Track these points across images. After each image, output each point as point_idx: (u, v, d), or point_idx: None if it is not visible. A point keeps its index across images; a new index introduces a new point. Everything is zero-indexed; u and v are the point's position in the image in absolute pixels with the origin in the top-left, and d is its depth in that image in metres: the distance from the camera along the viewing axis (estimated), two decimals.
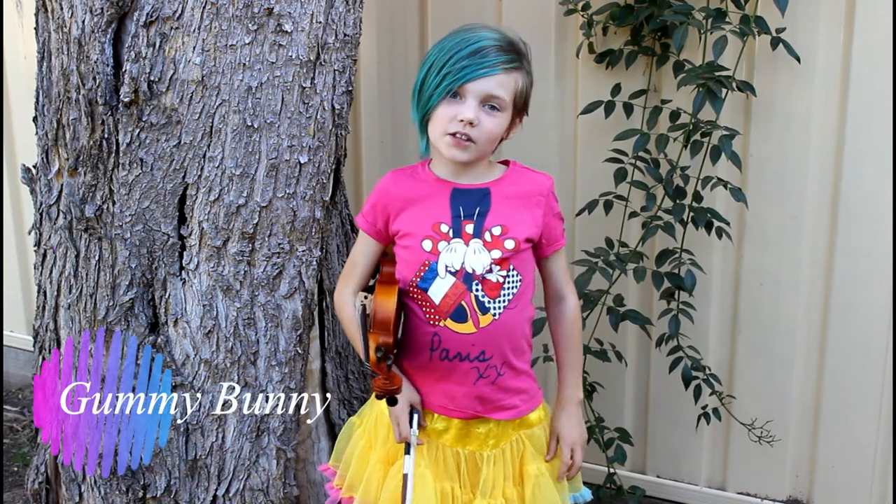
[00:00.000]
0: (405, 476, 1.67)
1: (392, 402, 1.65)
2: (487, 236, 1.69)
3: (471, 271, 1.68)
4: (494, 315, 1.69)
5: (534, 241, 1.73)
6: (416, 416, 1.72)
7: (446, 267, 1.68)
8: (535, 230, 1.72)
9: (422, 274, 1.69)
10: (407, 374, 1.76)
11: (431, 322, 1.70)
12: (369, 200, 1.77)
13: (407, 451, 1.71)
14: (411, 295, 1.71)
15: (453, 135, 1.62)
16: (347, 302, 1.79)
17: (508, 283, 1.70)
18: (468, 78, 1.59)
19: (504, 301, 1.69)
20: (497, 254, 1.68)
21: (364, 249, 1.80)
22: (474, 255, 1.68)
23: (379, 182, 1.77)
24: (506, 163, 1.78)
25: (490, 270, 1.68)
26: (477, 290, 1.68)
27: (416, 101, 1.67)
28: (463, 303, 1.68)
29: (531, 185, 1.74)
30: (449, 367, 1.71)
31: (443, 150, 1.66)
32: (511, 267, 1.69)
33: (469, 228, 1.69)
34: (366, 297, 1.79)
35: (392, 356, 1.61)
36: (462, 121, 1.60)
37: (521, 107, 1.68)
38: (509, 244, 1.68)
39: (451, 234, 1.69)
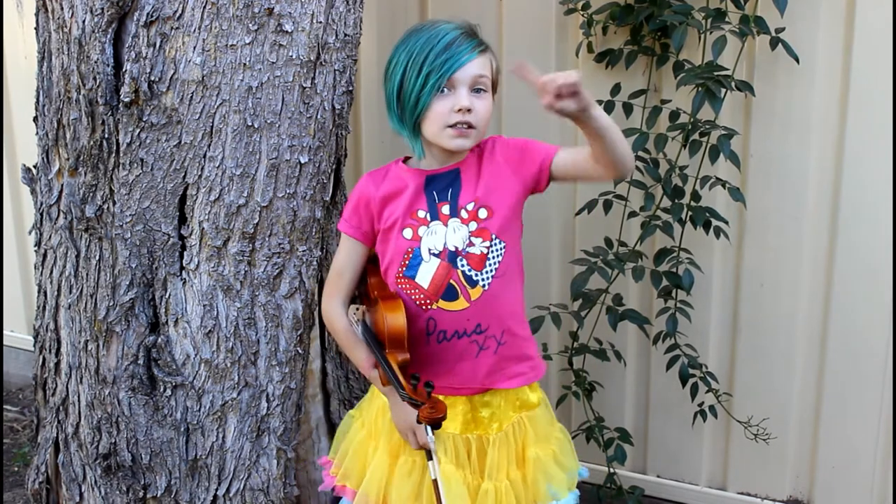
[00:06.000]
0: (434, 481, 1.64)
1: (437, 426, 1.59)
2: (463, 213, 1.72)
3: (453, 249, 1.70)
4: (484, 286, 1.71)
5: (526, 190, 1.73)
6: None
7: (429, 250, 1.71)
8: (515, 187, 1.72)
9: (406, 262, 1.72)
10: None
11: (424, 307, 1.72)
12: (349, 205, 1.80)
13: (430, 458, 1.67)
14: (400, 286, 1.73)
15: (453, 126, 1.65)
16: (339, 315, 1.80)
17: (493, 252, 1.71)
18: (454, 68, 1.63)
19: (491, 271, 1.71)
20: (473, 225, 1.71)
21: (349, 256, 1.80)
22: (454, 234, 1.71)
23: (355, 187, 1.80)
24: None
25: (471, 244, 1.70)
26: (462, 265, 1.70)
27: (399, 109, 1.69)
28: (451, 281, 1.70)
29: (486, 152, 1.76)
30: (448, 347, 1.72)
31: (446, 144, 1.68)
32: (493, 236, 1.71)
33: (445, 209, 1.72)
34: (357, 309, 1.80)
35: (431, 383, 1.55)
36: (460, 110, 1.64)
37: (496, 85, 1.73)
38: (482, 213, 1.71)
39: (428, 217, 1.72)
